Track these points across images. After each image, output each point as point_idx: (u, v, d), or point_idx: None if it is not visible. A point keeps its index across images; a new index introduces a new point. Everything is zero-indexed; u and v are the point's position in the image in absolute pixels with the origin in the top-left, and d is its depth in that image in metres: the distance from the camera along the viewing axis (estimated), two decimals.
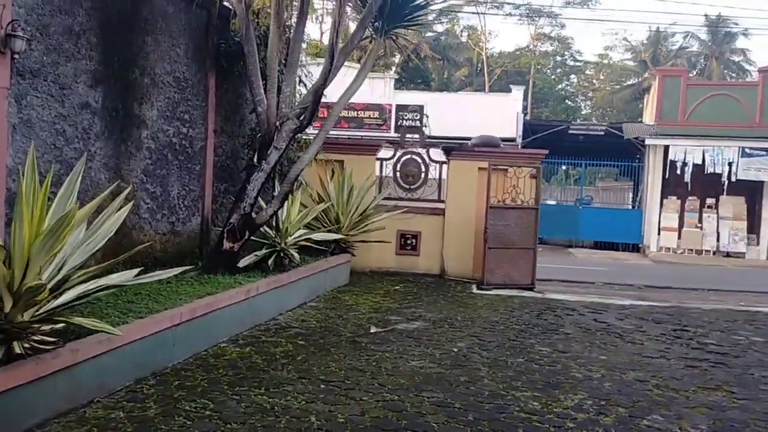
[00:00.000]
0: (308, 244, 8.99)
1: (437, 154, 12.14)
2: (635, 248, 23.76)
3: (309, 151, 7.85)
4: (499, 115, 22.83)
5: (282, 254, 8.24)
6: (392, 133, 22.58)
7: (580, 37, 71.98)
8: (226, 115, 9.35)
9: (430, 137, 11.30)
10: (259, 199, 7.99)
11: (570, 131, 25.52)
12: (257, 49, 7.87)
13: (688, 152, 21.34)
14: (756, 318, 9.15)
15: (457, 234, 11.58)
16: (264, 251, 8.17)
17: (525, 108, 27.90)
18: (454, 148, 11.65)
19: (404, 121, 22.10)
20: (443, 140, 13.00)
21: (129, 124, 7.18)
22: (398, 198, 11.79)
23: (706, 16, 50.94)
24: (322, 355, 6.02)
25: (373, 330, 7.14)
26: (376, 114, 23.24)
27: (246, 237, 7.71)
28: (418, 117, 21.89)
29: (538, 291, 11.07)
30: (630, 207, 27.61)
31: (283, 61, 8.26)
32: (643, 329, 7.93)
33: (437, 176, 11.90)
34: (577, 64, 56.19)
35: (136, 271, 5.05)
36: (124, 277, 4.93)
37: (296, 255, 8.37)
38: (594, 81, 57.45)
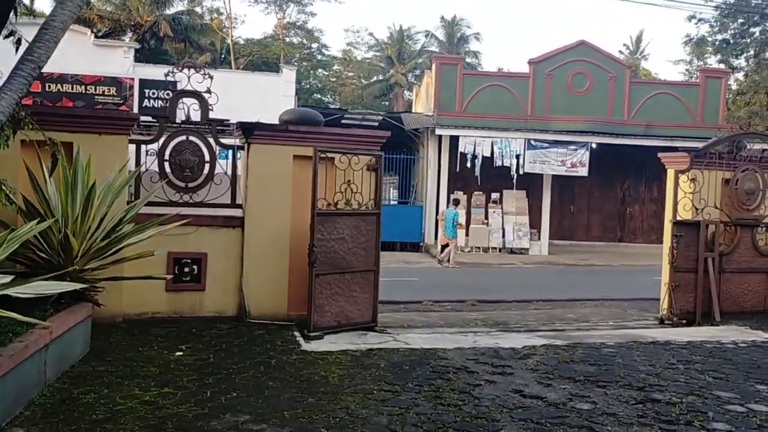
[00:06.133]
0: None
1: (224, 136, 8.16)
2: (415, 247, 21.96)
3: None
4: (270, 97, 19.17)
5: None
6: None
7: (326, 31, 71.07)
8: None
9: (191, 121, 7.32)
10: None
11: (344, 120, 22.88)
12: None
13: (477, 144, 19.87)
14: (684, 356, 6.91)
15: (264, 254, 7.76)
16: None
17: (297, 91, 24.58)
18: (257, 125, 7.75)
19: (152, 100, 17.27)
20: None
21: None
22: (169, 203, 7.57)
23: (442, 18, 52.99)
24: None
25: None
26: (113, 90, 17.98)
27: None
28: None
29: (380, 329, 7.86)
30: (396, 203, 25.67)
31: None
32: (602, 406, 5.03)
33: (229, 169, 7.90)
34: (325, 58, 54.75)
35: None
36: None
37: None
38: (342, 76, 56.62)
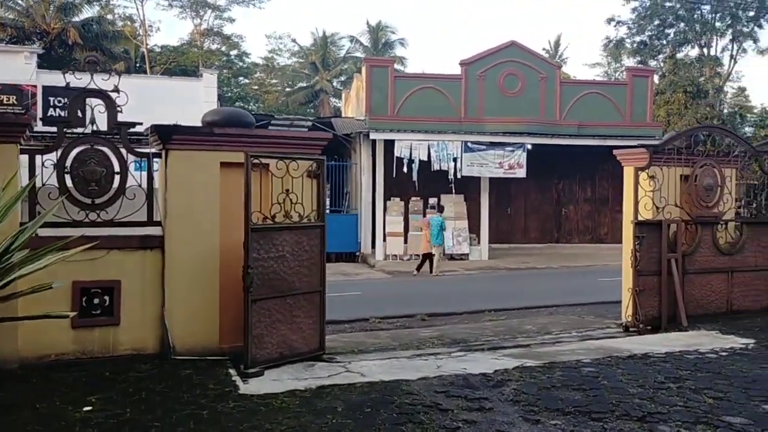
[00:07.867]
0: None
1: (139, 146, 7.00)
2: (351, 257, 21.09)
3: None
4: (191, 104, 17.82)
5: None
6: (40, 126, 15.95)
7: (247, 38, 69.29)
8: None
9: (99, 132, 6.19)
10: None
11: (271, 127, 21.75)
12: None
13: (413, 148, 19.12)
14: (670, 372, 6.28)
15: (190, 279, 6.64)
16: None
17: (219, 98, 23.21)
18: (176, 129, 6.64)
19: (57, 109, 15.66)
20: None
21: None
22: (73, 223, 6.35)
23: (367, 23, 52.38)
24: None
25: None
26: (13, 99, 16.24)
27: None
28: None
29: (329, 357, 6.92)
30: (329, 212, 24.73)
31: None
32: None
33: (144, 181, 6.74)
34: (246, 66, 53.07)
35: None
36: None
37: None
38: (265, 83, 55.08)
